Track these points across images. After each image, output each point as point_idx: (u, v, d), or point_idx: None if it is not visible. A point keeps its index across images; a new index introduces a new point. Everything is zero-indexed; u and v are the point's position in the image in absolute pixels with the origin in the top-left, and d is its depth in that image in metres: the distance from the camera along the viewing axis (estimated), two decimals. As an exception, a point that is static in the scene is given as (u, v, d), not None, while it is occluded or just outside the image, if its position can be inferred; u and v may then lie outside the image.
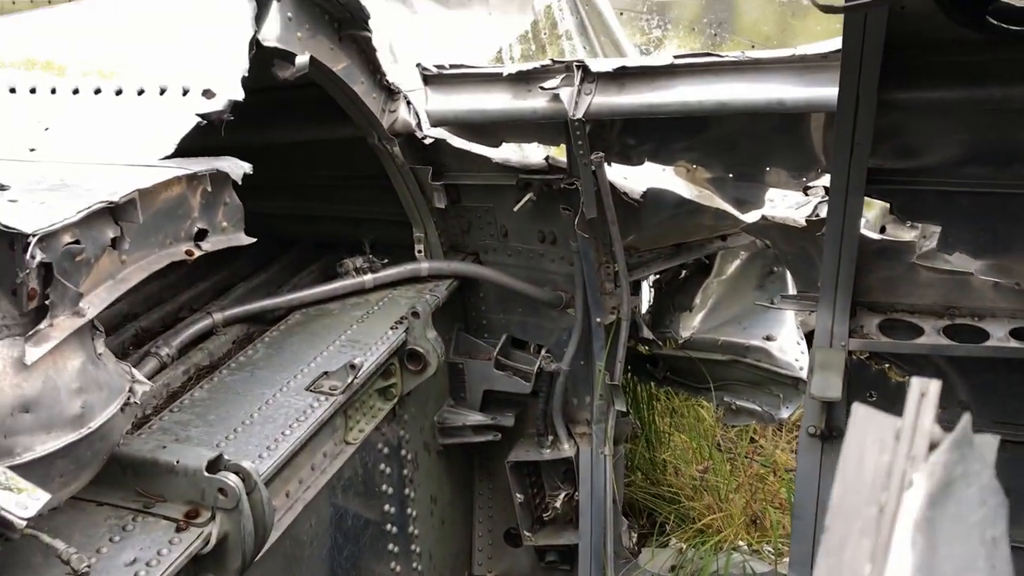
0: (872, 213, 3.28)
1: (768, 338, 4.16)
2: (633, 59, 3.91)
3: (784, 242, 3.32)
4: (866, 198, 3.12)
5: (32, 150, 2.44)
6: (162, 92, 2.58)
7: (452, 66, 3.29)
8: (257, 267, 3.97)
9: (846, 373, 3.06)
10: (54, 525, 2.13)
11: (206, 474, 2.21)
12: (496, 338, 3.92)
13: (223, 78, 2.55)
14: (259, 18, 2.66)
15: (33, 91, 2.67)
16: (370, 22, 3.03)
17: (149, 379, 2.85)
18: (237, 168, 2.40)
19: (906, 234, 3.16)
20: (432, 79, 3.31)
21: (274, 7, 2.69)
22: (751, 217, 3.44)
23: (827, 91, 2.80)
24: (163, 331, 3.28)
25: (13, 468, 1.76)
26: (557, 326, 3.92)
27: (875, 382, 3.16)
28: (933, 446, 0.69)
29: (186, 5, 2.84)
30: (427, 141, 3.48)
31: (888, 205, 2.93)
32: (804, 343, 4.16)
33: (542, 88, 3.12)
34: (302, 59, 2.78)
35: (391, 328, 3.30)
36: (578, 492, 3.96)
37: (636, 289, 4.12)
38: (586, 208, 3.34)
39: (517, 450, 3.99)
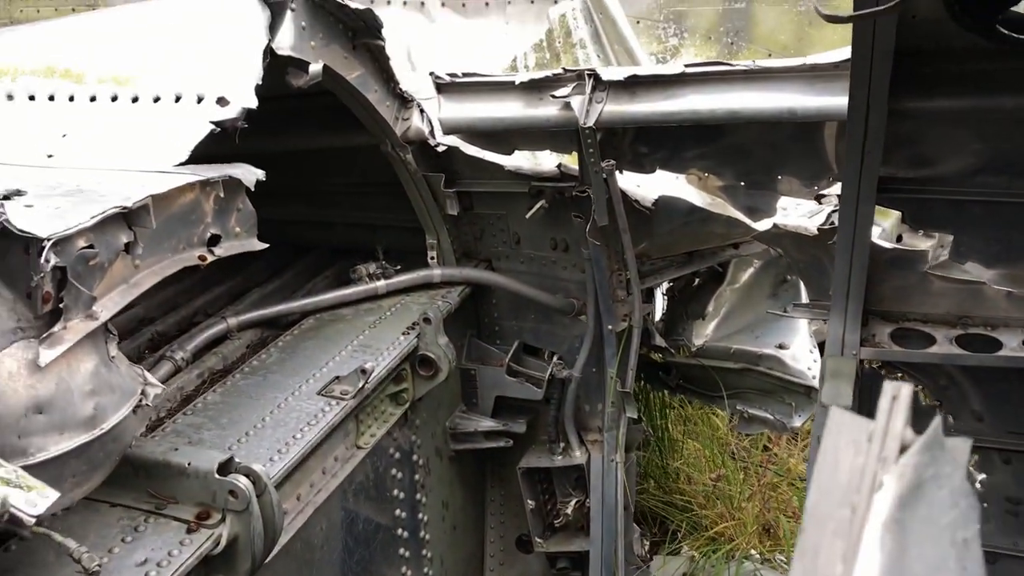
0: (888, 222, 3.27)
1: (781, 346, 4.15)
2: (644, 67, 3.92)
3: (796, 250, 3.32)
4: (883, 207, 3.13)
5: (50, 156, 2.49)
6: (177, 99, 2.63)
7: (465, 74, 3.32)
8: (272, 273, 4.02)
9: (858, 382, 3.06)
10: (68, 525, 2.17)
11: (217, 476, 2.24)
12: (508, 345, 3.93)
13: (237, 86, 2.59)
14: (273, 27, 2.70)
15: (52, 98, 2.72)
16: (383, 31, 3.05)
17: (163, 383, 2.90)
18: (250, 175, 2.43)
19: (923, 243, 3.15)
20: (445, 87, 3.34)
21: (288, 16, 2.73)
22: (763, 225, 3.44)
23: (838, 100, 2.80)
24: (178, 335, 3.33)
25: (27, 468, 1.79)
26: (569, 333, 3.93)
27: (887, 391, 3.15)
28: (904, 448, 0.70)
29: (203, 13, 2.88)
30: (440, 149, 3.50)
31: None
32: (817, 352, 4.15)
33: (553, 96, 3.14)
34: (315, 67, 2.82)
35: (403, 334, 3.33)
36: (589, 499, 3.97)
37: (649, 297, 4.13)
38: (597, 215, 3.36)
39: (529, 456, 4.01)
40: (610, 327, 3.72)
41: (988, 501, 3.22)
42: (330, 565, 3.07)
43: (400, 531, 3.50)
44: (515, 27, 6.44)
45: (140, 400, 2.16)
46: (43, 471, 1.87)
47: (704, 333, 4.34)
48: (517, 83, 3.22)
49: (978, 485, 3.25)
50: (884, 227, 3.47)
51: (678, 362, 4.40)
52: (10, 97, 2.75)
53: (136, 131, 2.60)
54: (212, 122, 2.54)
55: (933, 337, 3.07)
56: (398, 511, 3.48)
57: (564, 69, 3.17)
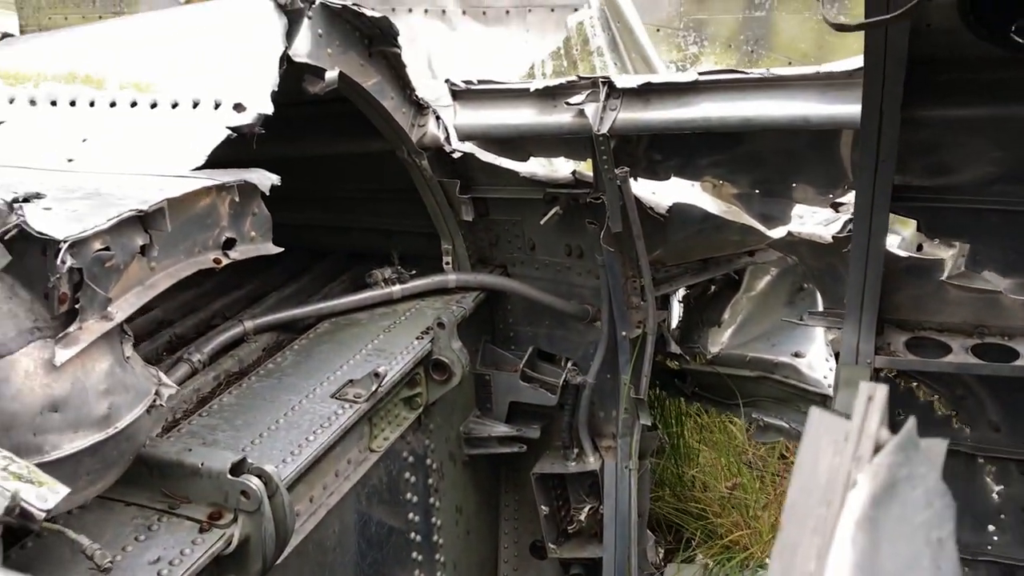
0: (908, 231, 3.26)
1: (797, 355, 4.14)
2: (658, 75, 3.94)
3: (812, 258, 3.32)
4: (898, 216, 3.12)
5: (70, 160, 2.54)
6: (195, 105, 2.67)
7: (480, 82, 3.35)
8: (289, 277, 4.06)
9: (872, 391, 3.05)
10: (83, 523, 2.21)
11: (229, 477, 2.27)
12: (523, 350, 3.95)
13: (254, 92, 2.63)
14: (290, 34, 2.74)
15: (73, 104, 2.77)
16: (399, 38, 3.08)
17: (180, 384, 2.95)
18: (265, 180, 2.46)
19: (944, 253, 3.15)
20: (460, 94, 3.36)
21: (305, 24, 2.77)
22: (777, 233, 3.44)
23: (852, 108, 2.80)
24: (196, 338, 3.36)
25: (41, 465, 1.82)
26: (584, 339, 3.94)
27: (903, 401, 3.14)
28: (879, 448, 0.71)
29: (222, 20, 2.92)
30: (455, 155, 3.53)
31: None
32: (833, 360, 4.14)
33: (568, 104, 3.16)
34: (331, 74, 2.85)
35: (417, 338, 3.35)
36: (603, 505, 3.97)
37: (664, 304, 4.14)
38: (611, 222, 3.37)
39: (543, 462, 4.02)
40: (624, 333, 3.73)
41: (1005, 512, 3.19)
42: (343, 567, 3.09)
43: (413, 535, 3.52)
44: (535, 35, 6.48)
45: (154, 400, 2.19)
46: (58, 469, 1.91)
47: (720, 341, 4.33)
48: (531, 90, 3.24)
49: (995, 496, 3.23)
50: (904, 236, 3.46)
51: (694, 370, 4.40)
52: (33, 103, 2.81)
53: (155, 136, 2.65)
54: (229, 127, 2.58)
55: (949, 346, 3.06)
56: (411, 515, 3.50)
57: (578, 76, 3.19)
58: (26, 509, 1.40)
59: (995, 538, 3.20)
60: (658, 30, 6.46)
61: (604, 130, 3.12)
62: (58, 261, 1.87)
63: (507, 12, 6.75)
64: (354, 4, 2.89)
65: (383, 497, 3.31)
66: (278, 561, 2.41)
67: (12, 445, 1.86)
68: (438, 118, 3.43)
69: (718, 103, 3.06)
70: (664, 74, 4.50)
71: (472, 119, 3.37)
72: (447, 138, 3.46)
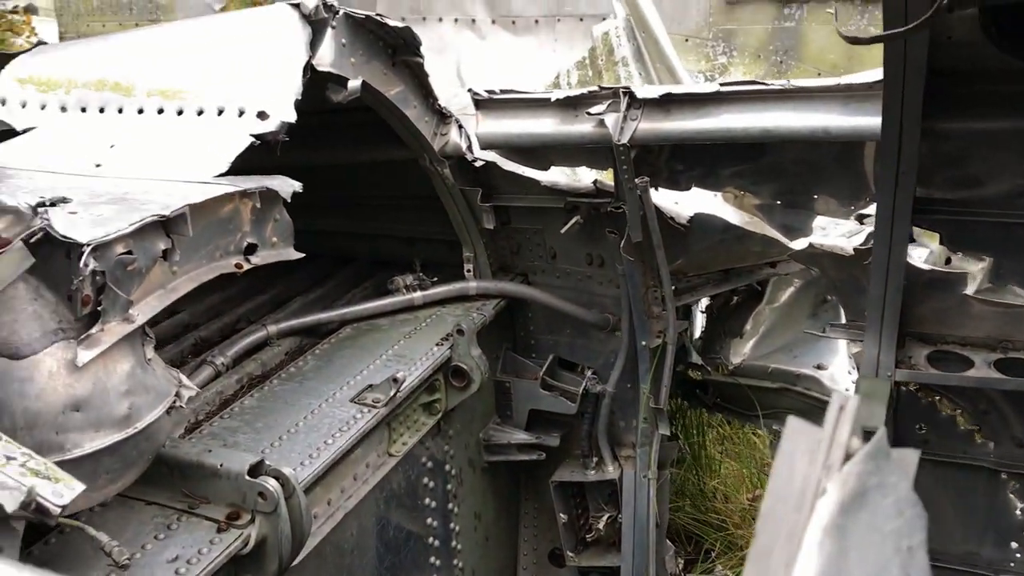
0: (936, 244, 3.24)
1: (819, 367, 4.12)
2: (680, 85, 3.94)
3: (834, 270, 3.30)
4: (920, 229, 3.10)
5: (98, 165, 2.60)
6: (220, 113, 2.72)
7: (502, 91, 3.38)
8: (313, 282, 4.11)
9: (892, 404, 3.04)
10: (104, 520, 2.25)
11: (247, 478, 2.29)
12: (544, 358, 3.97)
13: (278, 100, 2.67)
14: (314, 43, 2.79)
15: (102, 110, 2.84)
16: (428, 48, 3.12)
17: (203, 387, 3.00)
18: (287, 186, 2.50)
19: (972, 267, 3.12)
20: (483, 103, 3.40)
21: (329, 33, 2.82)
22: (799, 244, 3.43)
23: (873, 120, 2.80)
24: (221, 341, 3.42)
25: (62, 463, 1.87)
26: (605, 348, 3.95)
27: (925, 415, 3.12)
28: (850, 457, 0.73)
29: (248, 29, 2.98)
30: (477, 163, 3.56)
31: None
32: (856, 373, 4.12)
33: (589, 113, 3.18)
34: (354, 83, 2.90)
35: (436, 344, 3.38)
36: (621, 515, 3.97)
37: (686, 314, 4.14)
38: (632, 232, 3.38)
39: (562, 470, 4.03)
40: (644, 343, 3.74)
41: (1029, 531, 3.16)
42: (361, 570, 3.12)
43: (431, 540, 3.54)
44: (564, 44, 6.51)
45: (174, 401, 2.23)
46: (78, 467, 1.95)
47: (742, 352, 4.32)
48: (553, 100, 3.27)
49: (1019, 512, 3.20)
50: (932, 249, 3.44)
51: (715, 380, 4.39)
52: (63, 109, 2.88)
53: (180, 143, 2.70)
54: (252, 135, 2.63)
55: (972, 360, 3.03)
56: (430, 520, 3.52)
57: (599, 86, 3.21)
58: (42, 504, 1.44)
59: (1018, 555, 3.17)
60: (687, 40, 6.47)
61: (624, 140, 3.14)
62: (81, 264, 1.92)
63: (536, 21, 6.80)
64: (377, 15, 2.92)
65: (402, 502, 3.34)
66: (295, 562, 2.44)
67: (35, 443, 1.91)
68: (460, 127, 3.46)
69: (739, 114, 3.06)
70: (688, 84, 4.50)
71: (494, 128, 3.40)
72: (469, 147, 3.50)
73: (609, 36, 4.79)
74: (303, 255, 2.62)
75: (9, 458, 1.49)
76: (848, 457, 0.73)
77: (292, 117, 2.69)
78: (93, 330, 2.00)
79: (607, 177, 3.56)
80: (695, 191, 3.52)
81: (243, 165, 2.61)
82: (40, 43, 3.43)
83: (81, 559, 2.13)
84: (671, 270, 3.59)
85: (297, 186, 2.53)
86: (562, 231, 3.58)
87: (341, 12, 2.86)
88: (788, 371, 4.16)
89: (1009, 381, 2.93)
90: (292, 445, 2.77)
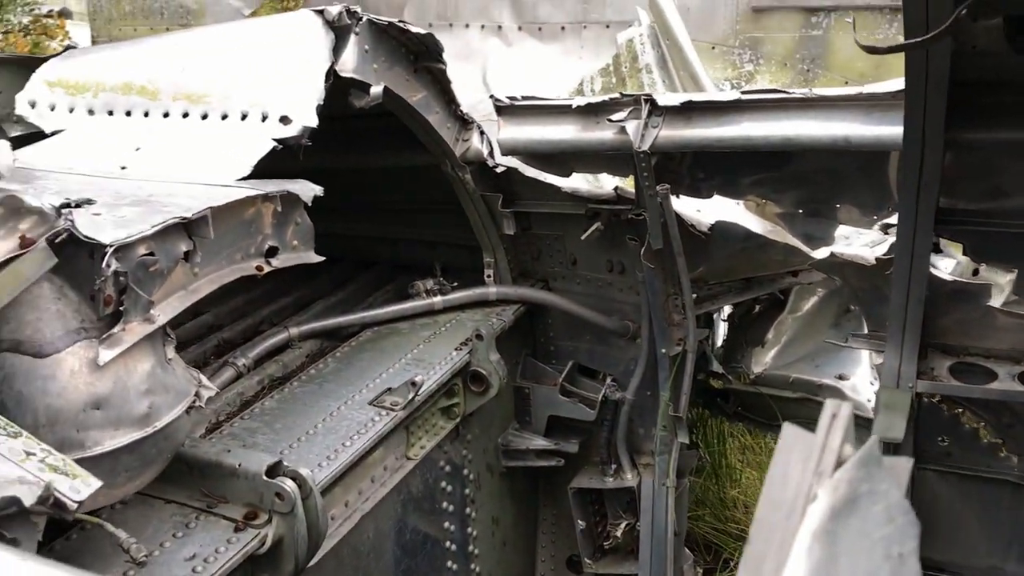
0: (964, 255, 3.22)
1: (841, 377, 4.10)
2: (701, 93, 3.94)
3: (856, 280, 3.29)
4: (944, 239, 3.08)
5: (123, 168, 2.64)
6: (243, 117, 2.76)
7: (523, 97, 3.39)
8: (336, 286, 4.15)
9: (914, 415, 3.01)
10: (125, 518, 2.29)
11: (265, 478, 2.32)
12: (564, 365, 3.97)
13: (300, 105, 2.70)
14: (337, 49, 2.82)
15: (128, 113, 2.89)
16: (454, 54, 3.14)
17: (225, 387, 3.04)
18: (308, 190, 2.53)
19: (997, 278, 3.10)
20: (504, 110, 3.41)
21: (352, 39, 2.85)
22: (821, 253, 3.42)
23: (895, 130, 2.78)
24: (243, 343, 3.46)
25: (82, 460, 1.91)
26: (624, 355, 3.95)
27: (947, 427, 3.09)
28: (841, 463, 0.73)
29: (272, 35, 3.01)
30: (498, 169, 3.58)
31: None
32: (878, 384, 4.08)
33: (609, 120, 3.19)
34: (376, 89, 2.92)
35: (455, 349, 3.40)
36: (639, 522, 3.97)
37: (707, 322, 4.13)
38: (652, 239, 3.38)
39: (580, 477, 4.04)
40: (664, 350, 3.73)
41: (1055, 546, 3.13)
42: (377, 572, 3.14)
43: (448, 544, 3.55)
44: (590, 51, 6.53)
45: (194, 401, 2.26)
46: (98, 464, 1.99)
47: (763, 361, 4.30)
48: (574, 107, 3.28)
49: (1043, 528, 3.16)
50: (959, 260, 3.42)
51: (736, 389, 4.37)
52: (91, 112, 2.93)
53: (204, 146, 2.74)
54: (275, 139, 2.67)
55: (995, 372, 3.01)
56: (447, 524, 3.53)
57: (621, 94, 3.21)
58: (59, 499, 1.47)
59: (1043, 570, 3.14)
60: (713, 47, 6.46)
61: (645, 147, 3.14)
62: (104, 265, 1.95)
63: (562, 28, 6.82)
64: (400, 21, 2.95)
65: (419, 505, 3.36)
66: (311, 563, 2.46)
67: (56, 440, 1.94)
68: (482, 133, 3.48)
69: (760, 122, 3.05)
70: (710, 92, 4.49)
71: (515, 134, 3.42)
72: (490, 152, 3.51)
73: (633, 43, 4.79)
74: (324, 258, 2.64)
75: (29, 453, 1.52)
76: (840, 464, 0.74)
77: (314, 122, 2.72)
78: (115, 330, 2.04)
79: (628, 184, 3.56)
80: (717, 199, 3.52)
81: (266, 169, 2.65)
82: (69, 47, 3.49)
83: (100, 555, 2.16)
84: (692, 278, 3.58)
85: (318, 190, 2.56)
86: (582, 237, 3.59)
87: (364, 18, 2.88)
88: (810, 381, 4.14)
89: (1031, 394, 2.90)
90: (310, 447, 2.80)
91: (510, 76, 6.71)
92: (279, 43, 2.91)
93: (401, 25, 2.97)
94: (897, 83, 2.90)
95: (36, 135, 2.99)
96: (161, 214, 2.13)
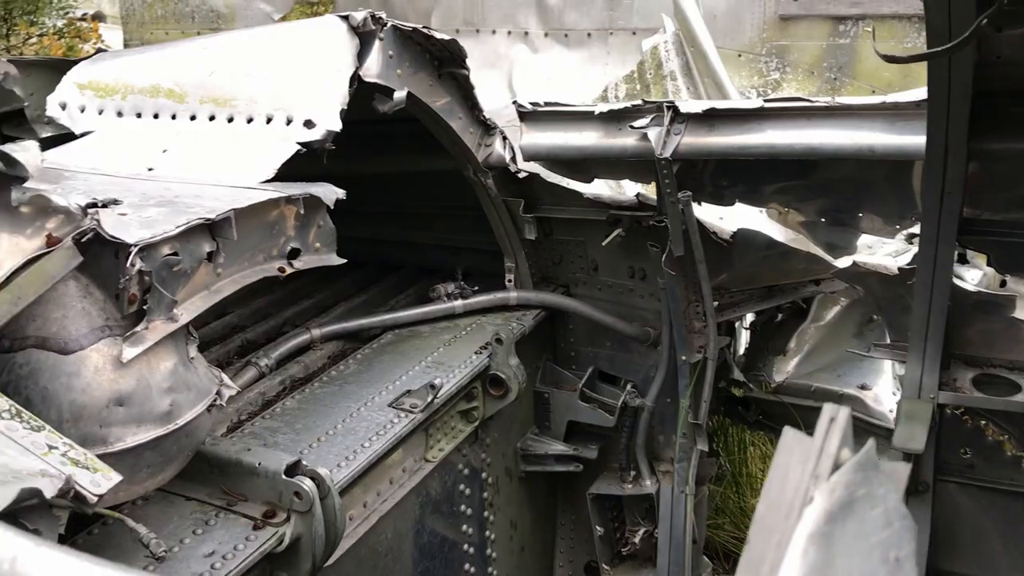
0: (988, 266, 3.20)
1: (863, 387, 4.07)
2: (724, 101, 3.94)
3: (879, 289, 3.28)
4: (967, 250, 3.06)
5: (150, 169, 2.68)
6: (268, 121, 2.79)
7: (546, 103, 3.41)
8: (359, 289, 4.18)
9: (935, 427, 2.99)
10: (146, 514, 2.32)
11: (284, 477, 2.34)
12: (584, 370, 3.98)
13: (324, 110, 2.74)
14: (362, 55, 2.85)
15: (156, 116, 2.93)
16: (467, 60, 3.17)
17: (247, 387, 3.07)
18: (330, 194, 2.56)
19: (1022, 289, 3.08)
20: (527, 115, 3.43)
21: (376, 45, 2.88)
22: (843, 262, 3.41)
23: (919, 139, 2.77)
24: (266, 343, 3.49)
25: (105, 456, 1.94)
26: (645, 362, 3.95)
27: (970, 439, 3.07)
28: (838, 467, 0.74)
29: (299, 40, 3.05)
30: (521, 175, 3.60)
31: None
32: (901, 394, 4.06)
33: (632, 127, 3.20)
34: (400, 94, 2.95)
35: (475, 353, 3.42)
36: (658, 529, 3.96)
37: (729, 330, 4.12)
38: (674, 246, 3.39)
39: (599, 483, 4.04)
40: (684, 358, 3.73)
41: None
42: (395, 573, 3.15)
43: (466, 547, 3.57)
44: (616, 57, 6.54)
45: (215, 400, 2.29)
46: (120, 460, 2.02)
47: (785, 369, 4.29)
48: (597, 113, 3.29)
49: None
50: (986, 271, 3.39)
51: (758, 398, 4.36)
52: (119, 114, 2.98)
53: (229, 149, 2.78)
54: (299, 143, 2.70)
55: (1019, 385, 2.99)
56: (465, 527, 3.55)
57: (643, 100, 3.22)
58: (80, 492, 1.50)
59: (1065, 586, 3.11)
60: (740, 55, 6.46)
61: (667, 154, 3.14)
62: (128, 264, 1.98)
63: (588, 35, 6.84)
64: (425, 27, 2.98)
65: (438, 507, 3.37)
66: (328, 562, 2.48)
67: (80, 435, 1.98)
68: (505, 138, 3.50)
69: (783, 130, 3.05)
70: (734, 100, 4.49)
71: (538, 140, 3.44)
72: (513, 158, 3.53)
73: (658, 50, 4.80)
74: (345, 261, 2.66)
75: (51, 447, 1.55)
76: (837, 467, 0.74)
77: (338, 126, 2.75)
78: (138, 328, 2.07)
79: (650, 190, 3.57)
80: (740, 206, 3.52)
81: (291, 172, 2.68)
82: (100, 50, 3.55)
83: (121, 550, 2.20)
84: (713, 285, 3.58)
85: (340, 193, 2.58)
86: (603, 243, 3.60)
87: (388, 24, 2.91)
88: (832, 390, 4.11)
89: (1056, 407, 2.88)
90: (330, 447, 2.82)
91: (536, 82, 6.74)
92: (305, 48, 2.95)
93: (425, 31, 3.00)
94: (921, 92, 2.89)
95: (66, 136, 3.05)
96: (186, 215, 2.16)
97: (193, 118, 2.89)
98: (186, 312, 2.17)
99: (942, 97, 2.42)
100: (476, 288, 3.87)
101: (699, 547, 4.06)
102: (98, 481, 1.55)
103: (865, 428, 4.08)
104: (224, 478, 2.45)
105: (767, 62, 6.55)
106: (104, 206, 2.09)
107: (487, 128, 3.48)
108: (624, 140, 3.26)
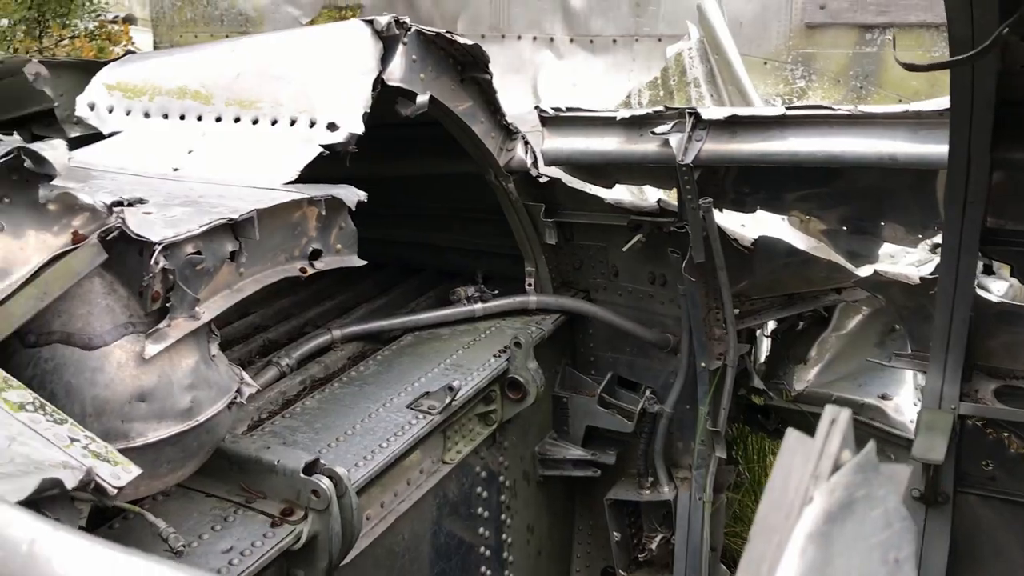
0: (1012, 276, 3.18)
1: (884, 397, 4.05)
2: (747, 108, 3.94)
3: (901, 298, 3.26)
4: (991, 260, 3.04)
5: (176, 169, 2.73)
6: (292, 123, 2.83)
7: (568, 109, 3.42)
8: (380, 291, 4.21)
9: (955, 437, 2.97)
10: (167, 509, 2.35)
11: (302, 476, 2.37)
12: (603, 376, 3.99)
13: (347, 113, 2.77)
14: (385, 59, 2.88)
15: (182, 117, 2.98)
16: (490, 65, 3.19)
17: (267, 387, 3.10)
18: (352, 195, 2.58)
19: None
20: (549, 120, 3.45)
21: (400, 49, 2.91)
22: (864, 271, 3.39)
23: (941, 148, 2.75)
24: (287, 343, 3.53)
25: (126, 451, 1.97)
26: (665, 368, 3.95)
27: (992, 451, 3.04)
28: (838, 468, 0.75)
29: (324, 44, 3.08)
30: (542, 179, 3.61)
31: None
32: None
33: (653, 133, 3.20)
34: (422, 98, 2.98)
35: (494, 356, 3.43)
36: (675, 536, 3.96)
37: (749, 337, 4.11)
38: (694, 252, 3.39)
39: (617, 488, 4.04)
40: (703, 364, 3.73)
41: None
42: (412, 573, 3.17)
43: (483, 549, 3.58)
44: (641, 64, 6.54)
45: (235, 397, 2.32)
46: (141, 455, 2.05)
47: (806, 378, 4.27)
48: (618, 119, 3.30)
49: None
50: (1012, 282, 3.37)
51: (778, 406, 4.34)
52: (147, 115, 3.03)
53: (254, 150, 2.81)
54: (322, 145, 2.73)
55: (1042, 397, 2.96)
56: (482, 529, 3.56)
57: (665, 107, 3.23)
58: (100, 484, 1.53)
59: (1088, 602, 3.07)
60: (765, 63, 6.44)
61: (688, 160, 3.15)
62: (152, 262, 2.02)
63: (614, 41, 6.84)
64: (448, 32, 3.00)
65: (455, 509, 3.39)
66: (345, 561, 2.50)
67: (102, 430, 2.01)
68: (526, 143, 3.52)
69: (805, 138, 3.05)
70: (757, 107, 4.48)
71: (560, 145, 3.45)
72: (534, 163, 3.55)
73: (682, 57, 4.80)
74: (366, 262, 2.69)
75: (73, 440, 1.58)
76: (838, 468, 0.75)
77: (360, 129, 2.78)
78: (161, 325, 2.10)
79: (672, 196, 3.57)
80: (762, 213, 3.52)
81: (314, 174, 2.71)
82: (128, 52, 3.60)
83: (141, 544, 2.22)
84: (734, 292, 3.57)
85: (362, 195, 2.61)
86: (624, 249, 3.61)
87: (412, 29, 2.94)
88: (852, 400, 4.09)
89: (1078, 420, 2.85)
90: (348, 447, 2.84)
91: (561, 88, 6.75)
92: (329, 51, 2.98)
93: (448, 36, 3.02)
94: (944, 101, 2.87)
95: (95, 136, 3.10)
96: (209, 215, 2.19)
97: (219, 120, 2.93)
98: (208, 310, 2.20)
99: (965, 106, 2.41)
100: (496, 292, 3.88)
101: (716, 555, 4.05)
102: (118, 474, 1.57)
103: (885, 438, 4.06)
104: (243, 475, 2.48)
105: (793, 70, 6.53)
106: (129, 205, 2.13)
107: (509, 132, 3.50)
108: (645, 146, 3.26)
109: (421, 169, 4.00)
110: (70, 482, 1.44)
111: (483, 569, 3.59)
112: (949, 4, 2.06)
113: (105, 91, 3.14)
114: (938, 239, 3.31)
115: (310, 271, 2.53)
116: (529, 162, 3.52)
